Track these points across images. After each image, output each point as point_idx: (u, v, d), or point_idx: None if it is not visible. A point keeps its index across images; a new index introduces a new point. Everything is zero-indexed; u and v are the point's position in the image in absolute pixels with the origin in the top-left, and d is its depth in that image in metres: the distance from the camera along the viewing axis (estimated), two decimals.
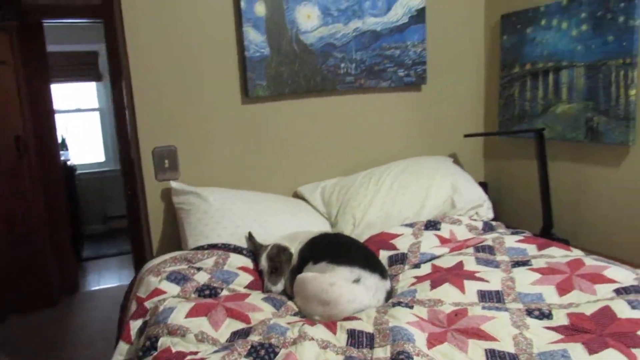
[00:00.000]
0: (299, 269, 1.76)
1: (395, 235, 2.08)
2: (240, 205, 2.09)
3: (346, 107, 2.42)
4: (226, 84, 2.22)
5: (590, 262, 1.73)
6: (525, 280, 1.66)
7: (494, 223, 2.22)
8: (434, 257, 1.92)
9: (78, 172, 5.34)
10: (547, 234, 2.25)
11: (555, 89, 2.23)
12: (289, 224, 2.09)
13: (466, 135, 2.49)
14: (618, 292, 1.52)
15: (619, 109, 1.97)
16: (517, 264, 1.80)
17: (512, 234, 2.10)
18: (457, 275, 1.71)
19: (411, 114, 2.55)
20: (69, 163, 4.92)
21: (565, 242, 2.21)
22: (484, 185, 2.62)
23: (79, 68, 5.62)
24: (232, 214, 2.04)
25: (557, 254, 1.84)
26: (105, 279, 4.32)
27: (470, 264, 1.82)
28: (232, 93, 2.24)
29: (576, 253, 1.84)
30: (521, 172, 2.55)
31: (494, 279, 1.68)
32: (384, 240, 2.06)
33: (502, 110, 2.54)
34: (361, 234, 2.13)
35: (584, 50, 2.08)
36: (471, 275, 1.70)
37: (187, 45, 2.14)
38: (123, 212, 4.22)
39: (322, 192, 2.32)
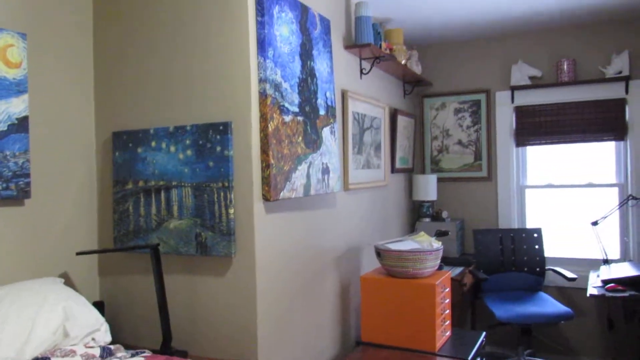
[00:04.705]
0: None
1: None
2: None
3: None
4: None
5: None
6: None
7: (112, 347, 2.10)
8: None
9: None
10: (167, 348, 2.27)
11: (167, 206, 2.37)
12: None
13: (78, 253, 2.32)
14: None
15: (222, 225, 2.24)
16: None
17: (133, 356, 2.03)
18: None
19: (13, 232, 2.21)
20: None
21: (184, 354, 2.28)
22: (100, 304, 2.47)
23: None
24: None
25: None
26: None
27: None
28: None
29: None
30: (138, 288, 2.53)
31: None
32: None
33: (118, 226, 2.51)
34: None
35: (191, 173, 2.31)
36: None
37: None
38: None
39: None
